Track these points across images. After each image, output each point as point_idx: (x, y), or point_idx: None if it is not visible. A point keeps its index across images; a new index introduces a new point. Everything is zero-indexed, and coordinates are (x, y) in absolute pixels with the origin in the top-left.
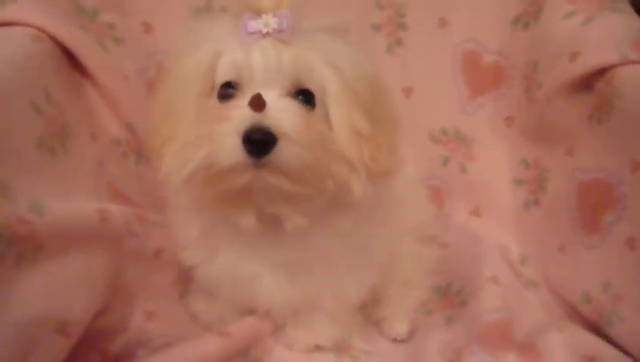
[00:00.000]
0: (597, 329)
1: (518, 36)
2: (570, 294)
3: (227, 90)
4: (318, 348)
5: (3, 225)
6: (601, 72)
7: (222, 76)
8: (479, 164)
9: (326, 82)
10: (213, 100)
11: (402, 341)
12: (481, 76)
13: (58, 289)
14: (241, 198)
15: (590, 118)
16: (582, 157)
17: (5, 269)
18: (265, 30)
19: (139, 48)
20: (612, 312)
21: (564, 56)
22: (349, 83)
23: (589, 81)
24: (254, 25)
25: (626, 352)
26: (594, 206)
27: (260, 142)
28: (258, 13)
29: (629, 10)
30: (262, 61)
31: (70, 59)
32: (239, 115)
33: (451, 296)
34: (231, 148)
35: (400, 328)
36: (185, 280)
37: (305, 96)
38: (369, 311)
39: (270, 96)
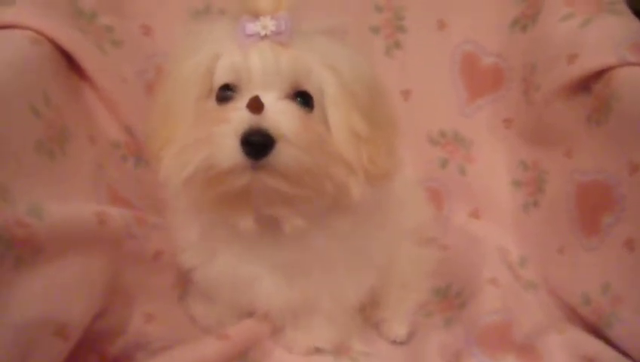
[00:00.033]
0: (596, 331)
1: (516, 38)
2: (570, 296)
3: (226, 93)
4: (318, 351)
5: (2, 228)
6: (599, 74)
7: (220, 79)
8: (478, 166)
9: (324, 84)
10: (212, 103)
11: (401, 343)
12: (479, 78)
13: (57, 292)
14: (240, 200)
15: (588, 119)
16: (580, 159)
17: (4, 272)
18: (263, 32)
19: (138, 51)
20: (611, 314)
21: (562, 58)
22: (347, 85)
23: (587, 83)
24: (252, 27)
25: (625, 354)
26: (593, 207)
27: (258, 145)
28: (256, 15)
29: (627, 12)
30: (260, 63)
31: (69, 61)
32: (237, 117)
33: (450, 297)
34: (229, 151)
35: (399, 330)
36: (184, 282)
37: (303, 98)
38: (368, 313)
39: (268, 99)
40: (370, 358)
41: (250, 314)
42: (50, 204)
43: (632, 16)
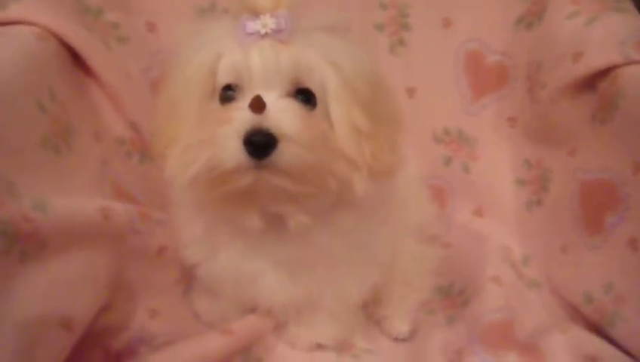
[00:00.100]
0: (599, 330)
1: (521, 36)
2: (572, 295)
3: (228, 93)
4: (320, 347)
5: (7, 223)
6: (605, 73)
7: (222, 78)
8: (482, 164)
9: (326, 80)
10: (215, 103)
11: (404, 340)
12: (484, 76)
13: (61, 287)
14: (245, 199)
15: (593, 118)
16: (585, 158)
17: (9, 266)
18: (263, 31)
19: (143, 48)
20: (614, 313)
21: (567, 56)
22: (348, 80)
23: (592, 82)
24: (252, 26)
25: (627, 353)
26: (596, 206)
27: (260, 145)
28: (256, 14)
29: (633, 10)
30: (260, 62)
31: (74, 58)
32: (240, 117)
33: (453, 295)
34: (232, 151)
35: (401, 327)
36: (188, 278)
37: (305, 96)
38: (371, 310)
39: (270, 98)
40: (373, 355)
41: (253, 309)
42: (54, 199)
43: (637, 14)
